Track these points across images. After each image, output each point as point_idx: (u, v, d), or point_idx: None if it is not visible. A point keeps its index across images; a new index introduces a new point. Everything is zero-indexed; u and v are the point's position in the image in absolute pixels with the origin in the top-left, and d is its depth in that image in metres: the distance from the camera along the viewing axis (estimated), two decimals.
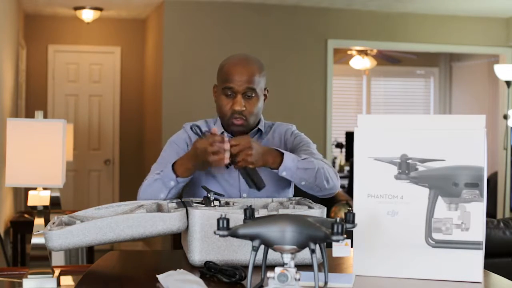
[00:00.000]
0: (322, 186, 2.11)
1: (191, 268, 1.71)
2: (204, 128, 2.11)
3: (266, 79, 2.24)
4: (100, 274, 1.75)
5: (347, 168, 8.60)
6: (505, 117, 6.83)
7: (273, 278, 1.25)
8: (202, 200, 1.91)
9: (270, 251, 1.38)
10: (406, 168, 1.63)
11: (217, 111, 2.25)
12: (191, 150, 2.04)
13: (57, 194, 4.03)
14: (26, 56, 7.04)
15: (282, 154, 2.05)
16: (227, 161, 1.96)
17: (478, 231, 1.60)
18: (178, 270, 1.61)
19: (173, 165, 2.06)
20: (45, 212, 2.20)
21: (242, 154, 1.97)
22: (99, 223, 1.70)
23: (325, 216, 1.80)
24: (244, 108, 2.16)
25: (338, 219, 1.30)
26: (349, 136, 8.69)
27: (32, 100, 7.10)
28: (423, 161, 1.62)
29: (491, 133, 7.27)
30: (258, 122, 2.27)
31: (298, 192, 2.29)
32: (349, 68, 8.71)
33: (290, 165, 2.05)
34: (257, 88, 2.18)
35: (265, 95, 2.25)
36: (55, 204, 3.80)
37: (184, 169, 2.04)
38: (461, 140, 1.60)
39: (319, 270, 1.30)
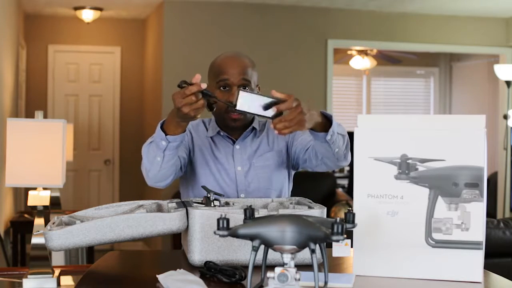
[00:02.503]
0: (347, 154, 2.06)
1: (191, 268, 1.71)
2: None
3: (258, 76, 2.23)
4: (100, 274, 1.75)
5: (347, 168, 8.60)
6: (505, 117, 6.83)
7: (273, 278, 1.25)
8: (202, 200, 1.91)
9: (270, 251, 1.38)
10: (406, 168, 1.63)
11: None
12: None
13: (57, 194, 4.03)
14: (26, 56, 7.04)
15: (327, 116, 1.92)
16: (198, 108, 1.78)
17: (478, 231, 1.60)
18: (178, 270, 1.61)
19: (162, 125, 1.97)
20: (45, 212, 2.20)
21: (294, 114, 1.73)
22: (99, 223, 1.70)
23: (325, 216, 1.80)
24: None
25: (338, 219, 1.30)
26: (349, 136, 8.67)
27: (32, 100, 7.10)
28: (423, 161, 1.62)
29: (491, 133, 7.26)
30: (253, 119, 2.25)
31: (298, 192, 2.29)
32: (349, 68, 8.71)
33: (335, 129, 1.93)
34: (251, 80, 2.17)
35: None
36: (55, 204, 3.79)
37: (171, 126, 1.93)
38: (461, 140, 1.60)
39: (319, 270, 1.30)
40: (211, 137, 2.23)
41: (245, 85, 2.15)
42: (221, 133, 2.23)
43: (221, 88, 2.15)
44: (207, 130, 2.26)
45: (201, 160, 2.20)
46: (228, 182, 2.19)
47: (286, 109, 1.74)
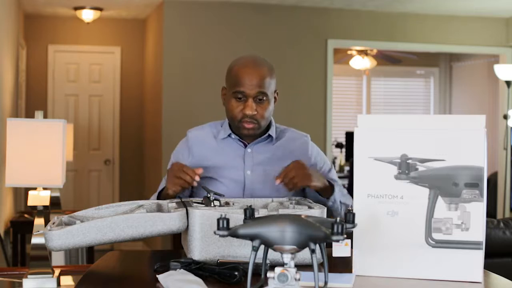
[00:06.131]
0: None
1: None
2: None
3: (276, 81, 2.19)
4: (100, 274, 1.75)
5: (347, 168, 8.60)
6: (505, 117, 6.83)
7: (273, 278, 1.25)
8: (202, 200, 1.91)
9: (270, 251, 1.38)
10: (406, 168, 1.63)
11: (226, 114, 2.20)
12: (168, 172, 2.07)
13: (57, 194, 4.02)
14: (26, 56, 7.04)
15: (332, 184, 2.10)
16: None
17: (478, 231, 1.60)
18: (178, 270, 1.61)
19: (160, 192, 2.13)
20: (45, 212, 2.20)
21: (297, 170, 1.99)
22: (99, 223, 1.70)
23: (325, 216, 1.80)
24: (256, 112, 2.11)
25: (338, 219, 1.30)
26: (349, 136, 8.69)
27: (32, 100, 7.10)
28: (423, 161, 1.62)
29: (491, 133, 7.26)
30: (269, 127, 2.22)
31: (297, 191, 2.28)
32: (349, 68, 8.71)
33: (337, 197, 2.12)
34: (268, 91, 2.13)
35: (275, 97, 2.20)
36: (55, 204, 3.79)
37: (164, 194, 2.10)
38: (461, 140, 1.60)
39: (319, 270, 1.30)
40: (221, 139, 2.21)
41: (260, 97, 2.12)
42: (232, 136, 2.21)
43: (237, 98, 2.13)
44: (217, 133, 2.23)
45: (207, 169, 2.17)
46: (234, 186, 2.16)
47: (289, 171, 1.99)
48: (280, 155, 2.21)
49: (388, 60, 8.59)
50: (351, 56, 8.46)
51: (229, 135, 2.21)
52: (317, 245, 1.31)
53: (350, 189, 7.55)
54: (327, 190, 2.09)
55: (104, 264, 1.85)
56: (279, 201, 2.03)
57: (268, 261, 1.46)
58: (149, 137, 7.11)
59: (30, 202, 2.19)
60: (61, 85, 7.31)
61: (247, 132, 2.16)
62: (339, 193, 2.13)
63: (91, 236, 1.69)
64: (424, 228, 1.62)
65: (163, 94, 6.28)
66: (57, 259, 3.48)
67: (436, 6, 6.56)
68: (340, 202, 2.13)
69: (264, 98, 2.13)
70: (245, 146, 2.21)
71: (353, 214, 1.45)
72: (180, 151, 2.26)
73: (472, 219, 1.60)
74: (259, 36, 6.48)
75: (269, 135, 2.22)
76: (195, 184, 1.99)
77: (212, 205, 1.85)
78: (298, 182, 1.98)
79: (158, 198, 2.15)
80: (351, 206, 2.08)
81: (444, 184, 1.60)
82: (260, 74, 2.12)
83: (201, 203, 1.89)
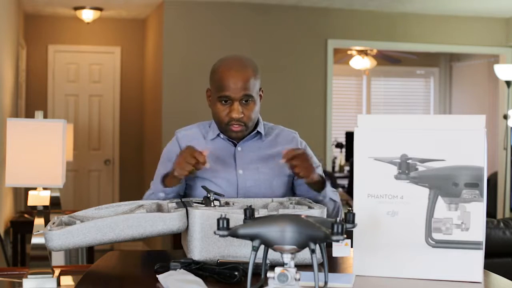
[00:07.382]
0: (336, 216, 2.19)
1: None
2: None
3: (261, 79, 2.19)
4: (100, 274, 1.75)
5: (347, 168, 8.60)
6: (505, 117, 6.83)
7: (273, 278, 1.25)
8: (202, 200, 1.91)
9: (270, 251, 1.38)
10: (406, 168, 1.63)
11: (213, 117, 2.20)
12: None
13: (57, 194, 4.02)
14: (26, 56, 7.04)
15: (324, 179, 2.11)
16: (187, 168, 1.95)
17: (478, 231, 1.60)
18: (178, 270, 1.61)
19: (163, 177, 2.09)
20: (45, 212, 2.20)
21: (304, 166, 1.96)
22: (99, 223, 1.70)
23: (325, 216, 1.80)
24: (242, 115, 2.12)
25: (338, 219, 1.31)
26: (349, 136, 8.69)
27: (32, 100, 7.10)
28: (423, 161, 1.62)
29: (491, 133, 7.26)
30: (257, 125, 2.23)
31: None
32: (349, 68, 8.71)
33: (328, 193, 2.13)
34: (253, 92, 2.12)
35: (260, 95, 2.20)
36: (55, 204, 3.78)
37: (169, 178, 2.06)
38: (461, 140, 1.60)
39: (319, 270, 1.30)
40: (211, 140, 2.22)
41: (246, 99, 2.12)
42: (221, 136, 2.21)
43: (222, 102, 2.13)
44: (206, 133, 2.24)
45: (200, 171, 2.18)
46: (227, 186, 2.15)
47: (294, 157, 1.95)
48: (271, 152, 2.22)
49: (388, 60, 8.59)
50: (351, 56, 8.46)
51: (218, 135, 2.22)
52: (317, 245, 1.31)
53: (350, 189, 7.57)
54: (319, 184, 2.09)
55: (104, 264, 1.85)
56: (279, 201, 2.03)
57: (268, 261, 1.46)
58: (149, 137, 7.11)
59: (30, 202, 2.19)
60: (61, 85, 7.31)
61: (235, 135, 2.18)
62: (330, 189, 2.15)
63: (91, 236, 1.69)
64: (424, 228, 1.62)
65: (163, 94, 6.28)
66: (57, 259, 3.48)
67: (436, 6, 6.57)
68: (330, 198, 2.15)
69: (250, 100, 2.13)
70: (235, 145, 2.21)
71: (353, 214, 1.46)
72: (172, 150, 2.25)
73: (472, 219, 1.60)
74: (259, 36, 6.48)
75: (258, 132, 2.22)
76: (206, 166, 1.98)
77: (212, 205, 1.85)
78: (301, 173, 1.98)
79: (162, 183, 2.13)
80: (351, 207, 2.10)
81: (444, 184, 1.60)
82: (244, 77, 2.11)
83: (201, 203, 1.89)
